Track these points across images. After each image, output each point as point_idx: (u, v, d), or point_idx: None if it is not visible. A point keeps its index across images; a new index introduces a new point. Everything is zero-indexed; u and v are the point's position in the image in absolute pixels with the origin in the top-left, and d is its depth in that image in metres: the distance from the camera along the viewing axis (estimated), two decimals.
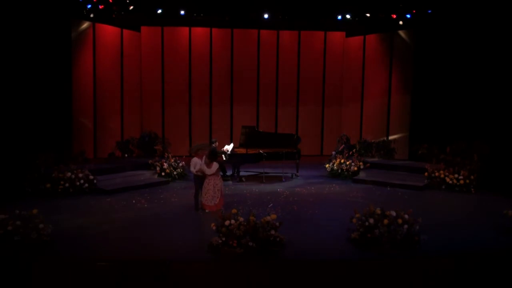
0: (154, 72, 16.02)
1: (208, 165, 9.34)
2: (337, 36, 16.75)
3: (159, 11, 14.41)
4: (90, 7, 13.22)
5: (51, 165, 10.84)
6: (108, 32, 14.74)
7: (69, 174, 10.70)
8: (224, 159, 13.04)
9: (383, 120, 15.66)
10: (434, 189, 11.59)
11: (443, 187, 11.51)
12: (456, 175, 11.41)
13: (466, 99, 12.80)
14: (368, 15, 14.70)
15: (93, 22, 14.08)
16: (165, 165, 12.63)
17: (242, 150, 12.96)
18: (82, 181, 10.78)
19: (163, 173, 12.54)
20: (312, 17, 15.46)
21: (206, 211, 9.30)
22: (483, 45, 12.46)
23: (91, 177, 11.03)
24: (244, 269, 6.50)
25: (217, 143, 12.95)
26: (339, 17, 15.23)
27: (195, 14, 15.13)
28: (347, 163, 13.17)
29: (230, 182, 12.44)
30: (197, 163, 9.42)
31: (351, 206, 8.43)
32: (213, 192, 9.35)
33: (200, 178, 9.44)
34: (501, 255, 7.06)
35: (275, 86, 16.76)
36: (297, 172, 13.44)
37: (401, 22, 14.53)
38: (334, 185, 12.21)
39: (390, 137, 15.28)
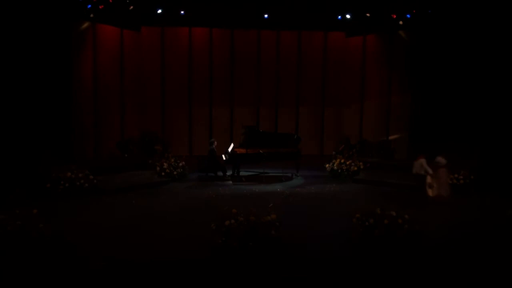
0: (154, 72, 16.01)
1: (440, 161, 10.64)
2: (337, 36, 16.72)
3: (159, 11, 14.40)
4: (90, 7, 13.19)
5: (51, 165, 10.83)
6: (108, 32, 14.73)
7: (69, 174, 10.69)
8: (224, 159, 13.05)
9: (383, 120, 15.65)
10: None
11: None
12: (456, 175, 11.41)
13: (466, 99, 12.80)
14: (368, 15, 14.69)
15: (93, 22, 14.06)
16: (165, 165, 12.62)
17: (242, 150, 12.96)
18: (82, 181, 10.77)
19: (163, 173, 12.54)
20: (312, 17, 15.44)
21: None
22: (483, 45, 12.46)
23: (91, 177, 11.01)
24: (244, 268, 6.50)
25: (216, 143, 12.95)
26: (339, 17, 15.21)
27: (195, 14, 15.11)
28: (347, 163, 13.16)
29: (230, 182, 12.45)
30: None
31: (351, 206, 8.44)
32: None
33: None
34: (501, 255, 7.07)
35: (276, 86, 16.75)
36: (297, 172, 13.44)
37: (401, 22, 14.50)
38: (334, 185, 12.21)
39: (390, 137, 15.28)
